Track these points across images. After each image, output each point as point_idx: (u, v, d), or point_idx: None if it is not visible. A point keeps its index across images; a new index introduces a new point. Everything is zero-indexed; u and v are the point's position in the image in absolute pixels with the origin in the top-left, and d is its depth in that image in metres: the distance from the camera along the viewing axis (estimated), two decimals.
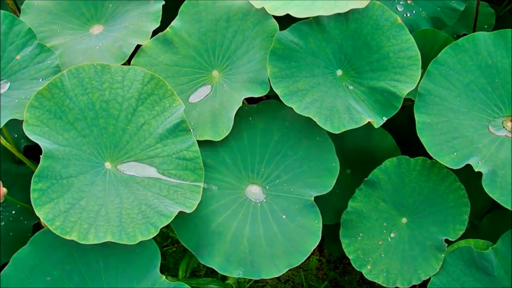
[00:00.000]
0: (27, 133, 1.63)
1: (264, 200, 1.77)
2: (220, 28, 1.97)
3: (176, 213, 1.62)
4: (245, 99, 1.86)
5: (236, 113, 1.80)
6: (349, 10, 1.79)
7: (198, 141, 1.79)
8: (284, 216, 1.73)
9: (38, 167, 1.59)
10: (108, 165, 1.70)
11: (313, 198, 1.74)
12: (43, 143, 1.62)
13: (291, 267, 1.67)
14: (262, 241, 1.70)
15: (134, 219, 1.59)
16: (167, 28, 2.01)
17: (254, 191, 1.78)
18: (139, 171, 1.70)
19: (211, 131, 1.80)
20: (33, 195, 1.56)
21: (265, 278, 1.65)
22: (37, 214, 1.54)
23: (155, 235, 1.58)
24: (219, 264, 1.68)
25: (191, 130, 1.81)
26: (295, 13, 1.79)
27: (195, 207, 1.66)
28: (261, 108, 1.90)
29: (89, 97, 1.73)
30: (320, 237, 1.70)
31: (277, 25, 1.89)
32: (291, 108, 1.78)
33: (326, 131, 1.80)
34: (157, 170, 1.71)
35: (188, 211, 1.65)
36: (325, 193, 1.77)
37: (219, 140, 1.79)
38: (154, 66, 1.96)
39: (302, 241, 1.69)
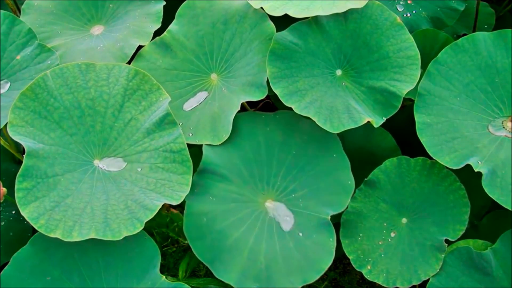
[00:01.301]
0: (11, 134, 1.64)
1: (292, 227, 1.75)
2: (217, 31, 1.97)
3: (160, 206, 1.62)
4: (249, 102, 1.86)
5: (253, 123, 1.81)
6: (348, 10, 1.79)
7: (213, 149, 1.81)
8: (300, 233, 1.73)
9: (21, 167, 1.59)
10: (97, 162, 1.70)
11: (329, 217, 1.74)
12: (26, 143, 1.62)
13: (305, 284, 1.67)
14: (278, 257, 1.69)
15: (119, 215, 1.60)
16: (165, 32, 2.01)
17: (286, 217, 1.76)
18: (127, 167, 1.70)
19: (211, 135, 1.81)
20: (17, 195, 1.57)
21: None
22: (22, 213, 1.55)
23: (140, 229, 1.58)
24: (236, 279, 1.67)
25: (190, 134, 1.81)
26: (293, 13, 1.79)
27: (182, 199, 1.66)
28: (279, 118, 1.88)
29: (74, 95, 1.74)
30: (334, 256, 1.70)
31: (274, 27, 1.89)
32: (308, 121, 1.77)
33: (342, 147, 1.80)
34: (142, 166, 1.71)
35: (174, 203, 1.65)
36: (339, 212, 1.76)
37: (218, 144, 1.79)
38: (152, 71, 1.95)
39: (317, 259, 1.69)
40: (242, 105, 1.83)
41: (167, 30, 2.01)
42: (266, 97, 1.87)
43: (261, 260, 1.69)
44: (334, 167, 1.81)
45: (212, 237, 1.71)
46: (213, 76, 1.95)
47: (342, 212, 1.81)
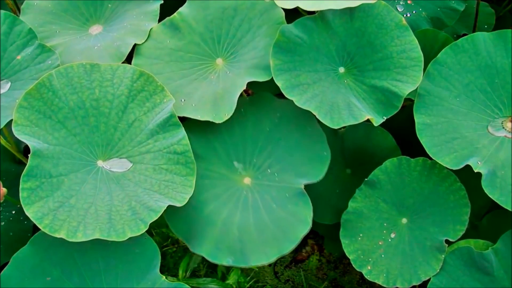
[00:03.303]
0: (16, 134, 1.64)
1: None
2: (227, 16, 1.98)
3: (165, 208, 1.62)
4: (246, 94, 1.86)
5: None
6: (354, 8, 1.78)
7: (188, 126, 1.80)
8: (274, 205, 1.74)
9: (26, 166, 1.59)
10: (100, 163, 1.70)
11: (303, 186, 1.75)
12: (31, 143, 1.62)
13: (281, 255, 1.68)
14: (252, 229, 1.71)
15: (123, 216, 1.60)
16: (175, 13, 2.02)
17: None
18: (131, 168, 1.70)
19: (212, 113, 1.81)
20: (22, 194, 1.57)
21: (255, 265, 1.66)
22: (26, 213, 1.55)
23: (144, 231, 1.58)
24: (209, 251, 1.69)
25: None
26: (304, 6, 1.78)
27: (186, 201, 1.66)
28: (253, 99, 1.91)
29: (78, 96, 1.74)
30: (310, 225, 1.71)
31: (283, 13, 1.89)
32: (283, 100, 1.78)
33: (317, 122, 1.82)
34: (146, 167, 1.71)
35: (178, 205, 1.65)
36: (316, 181, 1.77)
37: (220, 122, 1.79)
38: (159, 50, 1.98)
39: (292, 229, 1.70)
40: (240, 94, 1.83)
41: (177, 11, 2.02)
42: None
43: (235, 232, 1.70)
44: (309, 140, 1.83)
45: (187, 211, 1.73)
46: (219, 61, 1.96)
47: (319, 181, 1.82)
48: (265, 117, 1.88)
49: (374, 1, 1.79)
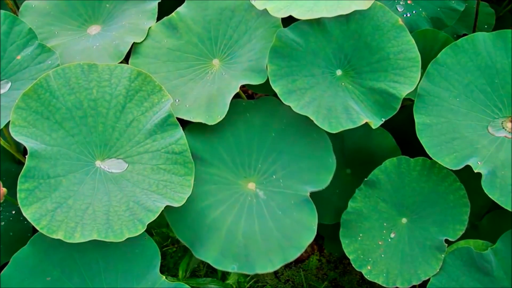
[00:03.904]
0: (13, 135, 1.64)
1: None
2: (224, 17, 1.99)
3: (163, 208, 1.62)
4: (247, 96, 1.86)
5: (234, 109, 1.80)
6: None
7: (192, 130, 1.80)
8: (279, 212, 1.74)
9: (23, 168, 1.59)
10: (98, 163, 1.70)
11: (308, 194, 1.74)
12: (28, 144, 1.62)
13: (286, 262, 1.67)
14: (257, 236, 1.70)
15: (121, 216, 1.59)
16: (173, 13, 2.03)
17: None
18: (129, 168, 1.70)
19: (206, 114, 1.81)
20: (19, 195, 1.57)
21: (260, 272, 1.66)
22: (24, 214, 1.55)
23: (142, 231, 1.58)
24: (214, 258, 1.68)
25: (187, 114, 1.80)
26: (297, 15, 1.79)
27: (184, 201, 1.66)
28: (259, 104, 1.91)
29: (76, 96, 1.74)
30: (315, 233, 1.70)
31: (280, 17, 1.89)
32: (288, 106, 1.78)
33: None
34: (144, 167, 1.71)
35: (176, 205, 1.64)
36: (321, 189, 1.77)
37: (212, 124, 1.79)
38: (156, 49, 1.98)
39: (297, 236, 1.70)
40: (240, 96, 1.83)
41: (175, 11, 2.03)
42: (266, 93, 1.87)
43: (240, 239, 1.70)
44: (315, 147, 1.82)
45: (192, 217, 1.72)
46: (215, 61, 1.96)
47: (324, 189, 1.81)
48: (271, 123, 1.87)
49: (366, 7, 1.79)
